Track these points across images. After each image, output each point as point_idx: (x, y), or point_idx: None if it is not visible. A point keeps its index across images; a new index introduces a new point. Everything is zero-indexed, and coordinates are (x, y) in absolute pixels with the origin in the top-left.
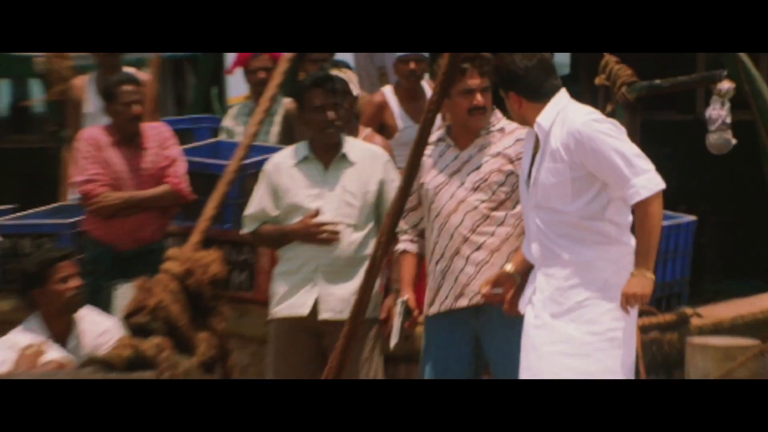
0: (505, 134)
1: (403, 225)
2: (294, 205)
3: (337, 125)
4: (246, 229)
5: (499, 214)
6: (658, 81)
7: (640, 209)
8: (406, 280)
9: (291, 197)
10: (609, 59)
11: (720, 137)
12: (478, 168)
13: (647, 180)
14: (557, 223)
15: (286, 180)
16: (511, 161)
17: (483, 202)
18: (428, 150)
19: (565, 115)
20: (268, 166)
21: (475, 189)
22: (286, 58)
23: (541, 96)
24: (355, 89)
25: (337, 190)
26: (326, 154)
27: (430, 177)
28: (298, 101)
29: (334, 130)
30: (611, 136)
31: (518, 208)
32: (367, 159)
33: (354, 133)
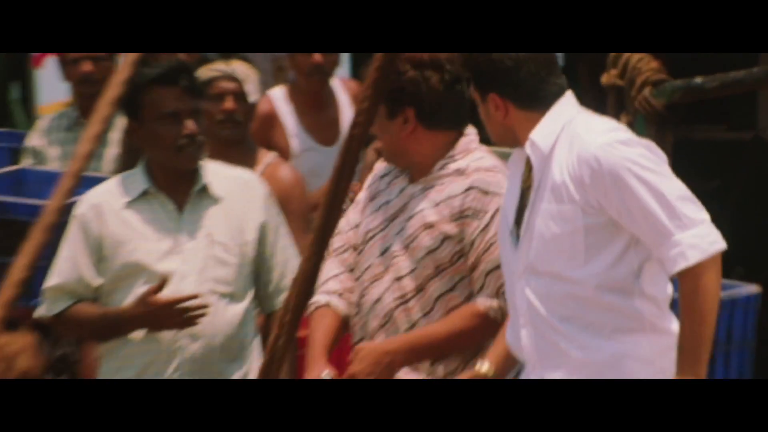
0: (461, 175)
1: (334, 267)
2: (132, 267)
3: (198, 142)
4: (46, 310)
5: (422, 302)
6: (699, 79)
7: (687, 281)
8: (318, 346)
9: (126, 255)
10: None
11: None
12: (410, 218)
13: (698, 236)
14: (562, 298)
15: (115, 228)
16: (454, 219)
17: (406, 275)
18: (376, 173)
19: (574, 132)
20: (82, 209)
21: (404, 250)
22: (129, 61)
23: (538, 101)
24: (254, 92)
25: (200, 242)
26: (178, 187)
27: (367, 212)
28: (131, 107)
29: (193, 150)
30: (646, 167)
31: (458, 293)
32: (238, 192)
33: (251, 159)
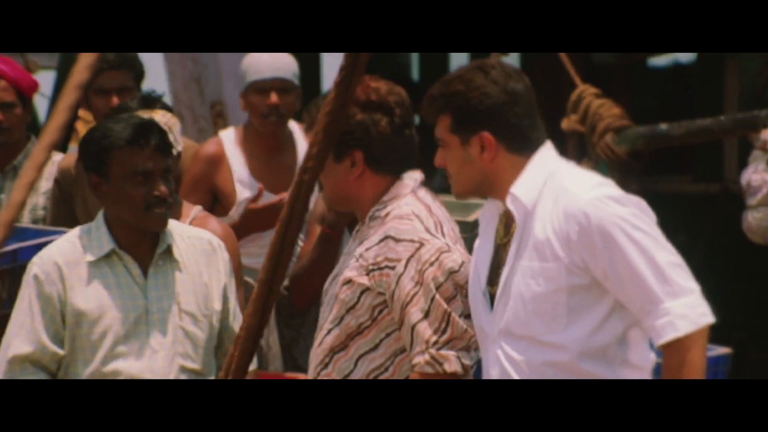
0: (381, 224)
1: None
2: (98, 338)
3: (168, 204)
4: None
5: (341, 363)
6: (663, 126)
7: (673, 353)
8: None
9: (91, 324)
10: (585, 91)
11: (766, 217)
12: (338, 276)
13: (689, 306)
14: (540, 366)
15: (78, 292)
16: (370, 270)
17: (329, 332)
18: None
19: (559, 186)
20: (39, 270)
21: (330, 312)
22: (84, 65)
23: (529, 144)
24: (179, 143)
25: (169, 312)
26: (141, 247)
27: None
28: (98, 164)
29: (163, 212)
30: (637, 227)
31: (381, 352)
32: (201, 254)
33: (175, 212)
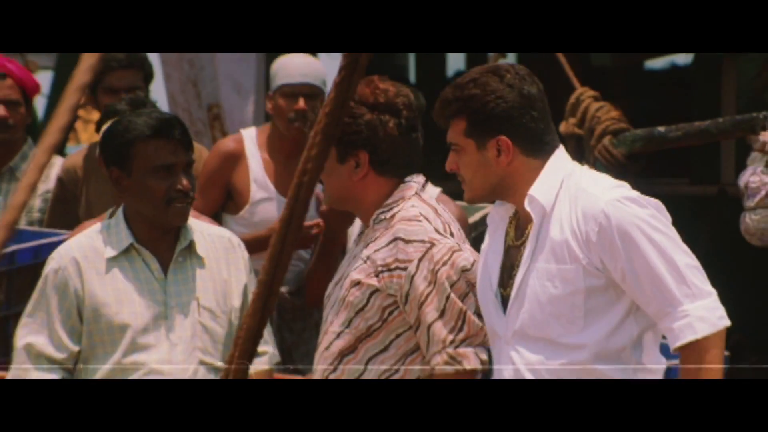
0: (388, 227)
1: None
2: (116, 333)
3: (190, 198)
4: (17, 373)
5: (351, 365)
6: (661, 128)
7: (691, 355)
8: None
9: (109, 319)
10: (583, 94)
11: (764, 219)
12: (344, 279)
13: (707, 309)
14: (556, 368)
15: (97, 288)
16: (380, 272)
17: (338, 336)
18: (357, 233)
19: (577, 187)
20: (54, 264)
21: (336, 315)
22: (85, 67)
23: (543, 147)
24: None
25: (188, 307)
26: (162, 244)
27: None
28: (120, 158)
29: (183, 207)
30: (656, 228)
31: (392, 353)
32: (221, 251)
33: None
